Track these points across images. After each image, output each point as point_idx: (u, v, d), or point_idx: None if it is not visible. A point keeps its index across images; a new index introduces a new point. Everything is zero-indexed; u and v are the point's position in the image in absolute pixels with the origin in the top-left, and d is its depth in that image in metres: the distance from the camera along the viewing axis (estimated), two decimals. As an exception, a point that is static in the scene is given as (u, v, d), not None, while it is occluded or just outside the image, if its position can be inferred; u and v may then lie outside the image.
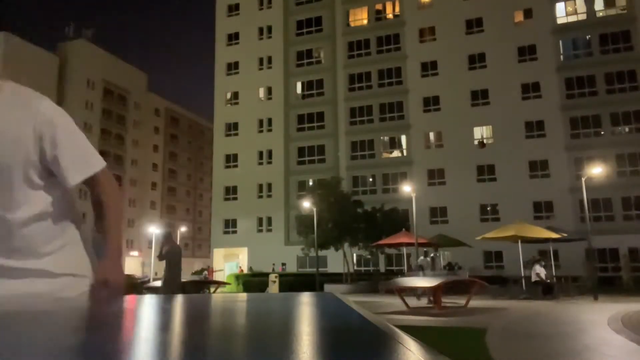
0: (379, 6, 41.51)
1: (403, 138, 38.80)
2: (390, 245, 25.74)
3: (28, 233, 1.42)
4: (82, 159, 1.48)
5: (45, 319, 0.96)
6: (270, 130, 42.40)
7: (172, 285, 9.57)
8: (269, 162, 41.93)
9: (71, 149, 1.45)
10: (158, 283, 13.92)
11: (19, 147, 1.38)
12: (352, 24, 42.02)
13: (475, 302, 13.75)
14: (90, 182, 1.49)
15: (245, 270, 36.53)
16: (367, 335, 0.64)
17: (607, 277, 25.82)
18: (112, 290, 1.39)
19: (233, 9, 45.92)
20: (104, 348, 0.55)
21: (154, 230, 35.72)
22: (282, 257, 38.06)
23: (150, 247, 41.77)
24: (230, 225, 42.18)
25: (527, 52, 36.28)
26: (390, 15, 41.27)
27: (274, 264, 36.56)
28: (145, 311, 1.07)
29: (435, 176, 36.91)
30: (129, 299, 1.46)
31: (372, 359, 0.47)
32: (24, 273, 1.42)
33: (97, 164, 1.50)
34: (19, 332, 0.73)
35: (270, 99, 43.03)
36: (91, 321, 0.92)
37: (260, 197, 41.62)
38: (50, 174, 1.46)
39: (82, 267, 1.52)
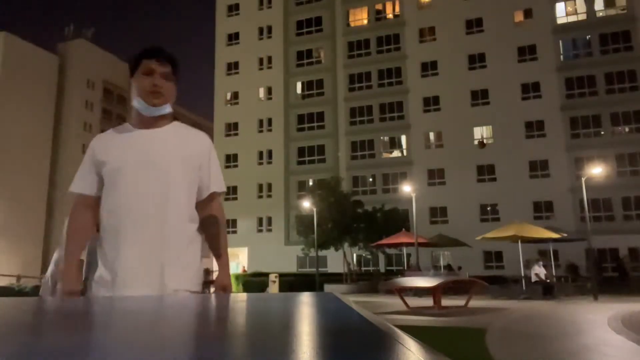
0: (379, 6, 41.52)
1: (403, 138, 38.80)
2: (390, 245, 25.75)
3: (188, 233, 1.92)
4: (220, 178, 2.05)
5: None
6: (270, 130, 42.40)
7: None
8: (269, 162, 41.93)
9: (216, 169, 2.05)
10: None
11: (183, 166, 1.92)
12: (352, 24, 42.03)
13: (475, 302, 13.75)
14: (214, 197, 2.02)
15: (247, 271, 36.52)
16: (367, 335, 0.63)
17: (607, 277, 25.78)
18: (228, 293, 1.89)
19: (233, 9, 45.92)
20: (101, 347, 0.55)
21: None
22: (282, 257, 38.06)
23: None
24: (230, 225, 42.15)
25: (527, 52, 36.28)
26: (390, 15, 41.28)
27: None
28: (145, 311, 1.07)
29: (435, 176, 36.91)
30: (128, 300, 1.46)
31: (372, 359, 0.47)
32: (183, 268, 1.88)
33: (224, 186, 2.07)
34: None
35: (270, 99, 43.03)
36: (92, 320, 0.92)
37: (260, 197, 41.62)
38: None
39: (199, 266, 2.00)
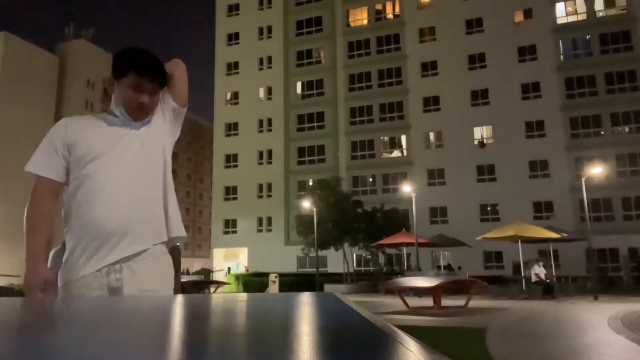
0: (379, 6, 41.51)
1: (403, 138, 38.80)
2: (390, 245, 25.75)
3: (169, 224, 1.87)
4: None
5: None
6: (270, 130, 42.40)
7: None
8: (269, 162, 41.92)
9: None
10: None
11: (159, 152, 1.88)
12: (352, 24, 42.02)
13: (475, 302, 13.74)
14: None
15: (249, 270, 36.48)
16: (367, 335, 0.63)
17: (607, 277, 25.81)
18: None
19: (233, 9, 45.92)
20: (101, 348, 0.55)
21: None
22: (282, 257, 38.05)
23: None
24: (230, 225, 42.17)
25: (527, 52, 36.28)
26: (390, 15, 41.27)
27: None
28: (145, 311, 1.07)
29: (435, 176, 36.90)
30: (128, 300, 1.46)
31: (372, 359, 0.46)
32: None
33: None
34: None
35: (270, 99, 43.03)
36: (93, 320, 0.92)
37: (260, 197, 41.62)
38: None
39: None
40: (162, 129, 1.91)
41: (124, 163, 1.77)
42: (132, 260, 1.73)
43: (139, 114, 1.82)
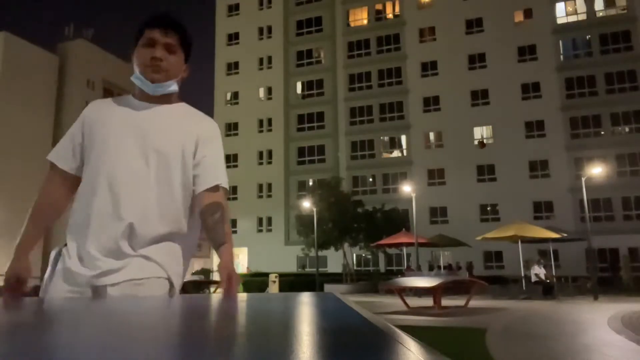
0: (379, 6, 41.52)
1: (403, 138, 38.81)
2: (390, 245, 25.75)
3: (182, 217, 1.69)
4: (224, 172, 1.77)
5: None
6: (270, 130, 42.41)
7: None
8: (269, 162, 41.93)
9: (221, 161, 1.77)
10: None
11: (180, 149, 1.68)
12: (352, 24, 42.03)
13: (475, 302, 13.75)
14: (218, 189, 1.72)
15: (251, 270, 36.47)
16: (367, 335, 0.63)
17: (607, 277, 25.80)
18: (234, 285, 1.66)
19: (233, 9, 45.92)
20: (101, 347, 0.55)
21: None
22: (282, 257, 38.07)
23: (150, 247, 41.71)
24: (230, 225, 42.16)
25: (527, 52, 36.29)
26: (390, 15, 41.28)
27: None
28: (145, 311, 1.07)
29: (435, 176, 36.91)
30: (128, 299, 1.45)
31: (372, 359, 0.46)
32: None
33: (225, 180, 1.76)
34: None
35: (270, 99, 43.04)
36: (94, 320, 0.92)
37: (260, 197, 41.63)
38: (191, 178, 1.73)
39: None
40: (185, 136, 1.71)
41: (128, 156, 1.63)
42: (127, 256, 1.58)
43: (154, 72, 1.66)
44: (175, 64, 1.70)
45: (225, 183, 1.74)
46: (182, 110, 1.77)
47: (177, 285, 1.67)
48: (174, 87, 1.72)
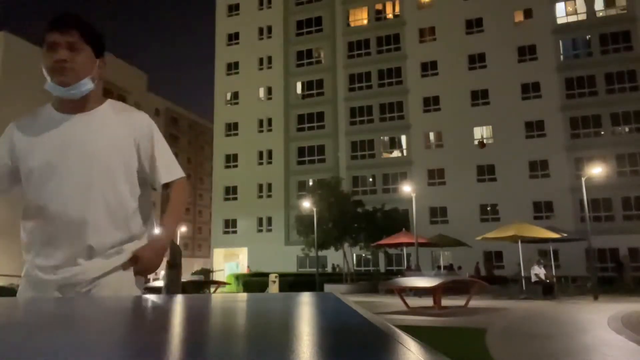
0: (379, 6, 41.51)
1: (403, 138, 38.80)
2: (390, 245, 25.74)
3: (129, 224, 1.70)
4: (170, 163, 1.80)
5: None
6: (270, 130, 42.40)
7: (172, 286, 9.58)
8: (269, 162, 41.93)
9: (162, 157, 1.77)
10: (157, 283, 13.95)
11: (121, 153, 1.69)
12: (352, 24, 42.02)
13: (475, 302, 13.75)
14: (169, 187, 1.78)
15: (252, 270, 36.44)
16: (367, 335, 0.63)
17: (607, 277, 25.80)
18: (140, 268, 1.67)
19: (233, 9, 45.91)
20: (104, 348, 0.55)
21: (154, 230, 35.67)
22: (282, 257, 38.06)
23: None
24: (230, 225, 42.18)
25: (527, 52, 36.28)
26: (390, 15, 41.28)
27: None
28: (145, 311, 1.07)
29: (435, 176, 36.91)
30: (129, 299, 1.46)
31: (372, 359, 0.46)
32: (125, 255, 1.68)
33: (178, 171, 1.81)
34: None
35: (270, 99, 43.04)
36: (95, 319, 0.92)
37: (260, 197, 41.62)
38: (142, 177, 1.76)
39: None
40: (122, 139, 1.71)
41: (69, 175, 1.64)
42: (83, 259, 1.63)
43: (60, 75, 1.63)
44: (83, 62, 1.65)
45: (177, 174, 1.80)
46: (109, 112, 1.74)
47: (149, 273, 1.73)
48: (89, 85, 1.67)
